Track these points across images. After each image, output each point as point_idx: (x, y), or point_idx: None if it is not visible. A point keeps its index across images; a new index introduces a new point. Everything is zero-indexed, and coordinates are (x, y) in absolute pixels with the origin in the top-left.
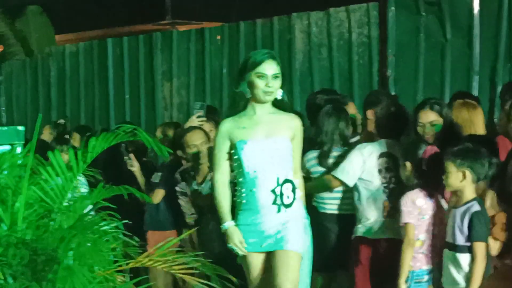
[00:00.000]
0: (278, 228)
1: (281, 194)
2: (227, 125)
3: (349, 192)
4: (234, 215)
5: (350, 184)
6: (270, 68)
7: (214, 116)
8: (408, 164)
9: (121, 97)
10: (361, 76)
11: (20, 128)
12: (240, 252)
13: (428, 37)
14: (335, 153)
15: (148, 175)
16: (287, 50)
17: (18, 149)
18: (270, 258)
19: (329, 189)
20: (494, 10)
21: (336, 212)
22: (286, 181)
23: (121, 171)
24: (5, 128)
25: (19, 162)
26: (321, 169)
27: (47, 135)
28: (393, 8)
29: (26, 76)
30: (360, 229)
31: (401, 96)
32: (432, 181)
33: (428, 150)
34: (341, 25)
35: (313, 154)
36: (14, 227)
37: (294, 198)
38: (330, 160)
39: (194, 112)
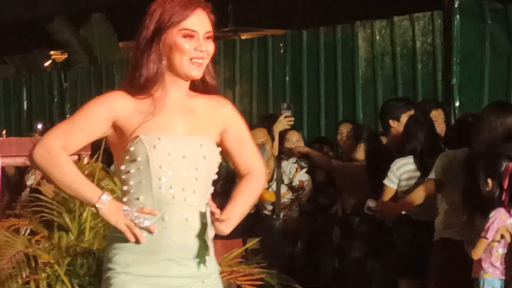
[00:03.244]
0: None
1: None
2: (121, 100)
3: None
4: None
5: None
6: (201, 22)
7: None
8: (489, 181)
9: None
10: (425, 85)
11: None
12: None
13: (494, 45)
14: (426, 159)
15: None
16: (350, 59)
17: (86, 159)
18: None
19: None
20: None
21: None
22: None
23: None
24: None
25: (86, 172)
26: (416, 174)
27: None
28: (458, 16)
29: (91, 83)
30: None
31: (465, 105)
32: None
33: (510, 166)
34: (405, 33)
35: (405, 161)
36: (81, 237)
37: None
38: (427, 165)
39: (281, 112)
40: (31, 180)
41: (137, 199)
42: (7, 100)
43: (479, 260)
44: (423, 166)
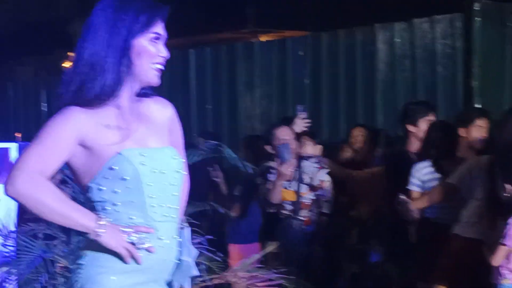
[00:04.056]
0: None
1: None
2: (79, 116)
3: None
4: None
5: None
6: (163, 27)
7: None
8: (508, 186)
9: (203, 107)
10: (446, 88)
11: None
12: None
13: None
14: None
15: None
16: (370, 61)
17: None
18: None
19: (443, 196)
20: None
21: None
22: None
23: (205, 181)
24: None
25: None
26: (437, 175)
27: None
28: (478, 18)
29: None
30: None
31: (486, 107)
32: None
33: None
34: (425, 36)
35: (424, 164)
36: None
37: None
38: (445, 168)
39: (297, 114)
40: None
41: (130, 218)
42: (26, 102)
43: (498, 266)
44: (443, 170)
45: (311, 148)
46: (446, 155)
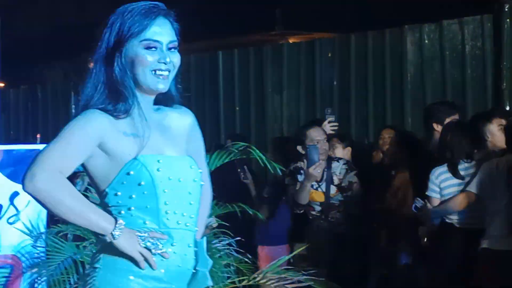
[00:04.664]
0: None
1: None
2: (102, 119)
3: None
4: None
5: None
6: (164, 32)
7: None
8: None
9: (232, 110)
10: (475, 90)
11: None
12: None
13: None
14: (463, 165)
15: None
16: (399, 63)
17: None
18: None
19: (465, 205)
20: None
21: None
22: None
23: (234, 183)
24: None
25: None
26: (455, 181)
27: None
28: (508, 19)
29: None
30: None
31: None
32: None
33: None
34: (454, 37)
35: (442, 169)
36: None
37: None
38: (462, 172)
39: (326, 118)
40: (79, 185)
41: (144, 223)
42: (56, 104)
43: None
44: (459, 174)
45: (341, 150)
46: (464, 157)
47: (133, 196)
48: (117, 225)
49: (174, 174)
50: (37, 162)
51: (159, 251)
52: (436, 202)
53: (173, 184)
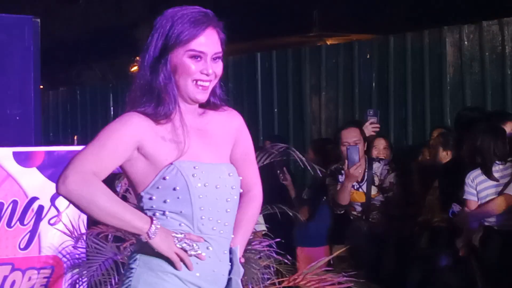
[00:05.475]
0: None
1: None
2: (140, 122)
3: None
4: None
5: None
6: (210, 43)
7: None
8: None
9: (270, 111)
10: None
11: None
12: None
13: None
14: (497, 167)
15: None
16: (438, 64)
17: None
18: None
19: (504, 208)
20: None
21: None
22: None
23: (273, 184)
24: None
25: None
26: (491, 183)
27: None
28: None
29: None
30: None
31: None
32: None
33: None
34: (494, 38)
35: (476, 172)
36: None
37: None
38: (496, 174)
39: (367, 119)
40: (119, 187)
41: (180, 225)
42: (94, 106)
43: None
44: (493, 176)
45: (382, 151)
46: (497, 160)
47: (168, 200)
48: (153, 225)
49: (210, 181)
50: (70, 165)
51: (194, 253)
52: (474, 205)
53: (209, 190)
